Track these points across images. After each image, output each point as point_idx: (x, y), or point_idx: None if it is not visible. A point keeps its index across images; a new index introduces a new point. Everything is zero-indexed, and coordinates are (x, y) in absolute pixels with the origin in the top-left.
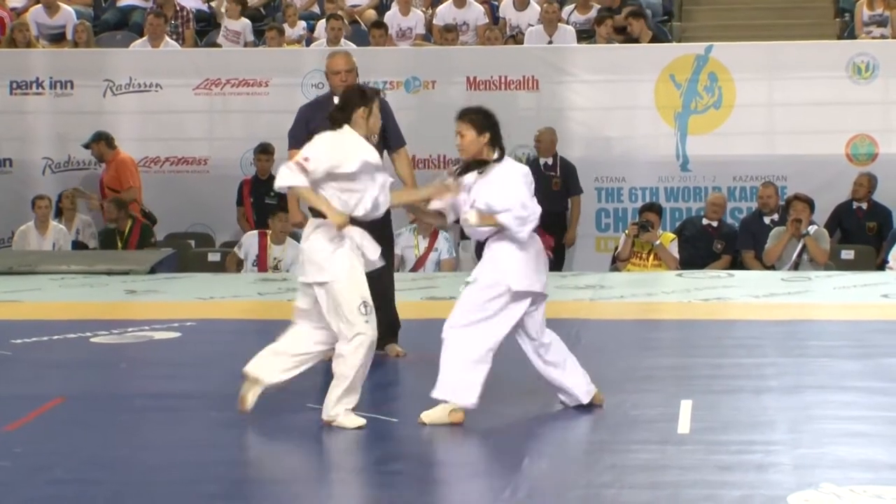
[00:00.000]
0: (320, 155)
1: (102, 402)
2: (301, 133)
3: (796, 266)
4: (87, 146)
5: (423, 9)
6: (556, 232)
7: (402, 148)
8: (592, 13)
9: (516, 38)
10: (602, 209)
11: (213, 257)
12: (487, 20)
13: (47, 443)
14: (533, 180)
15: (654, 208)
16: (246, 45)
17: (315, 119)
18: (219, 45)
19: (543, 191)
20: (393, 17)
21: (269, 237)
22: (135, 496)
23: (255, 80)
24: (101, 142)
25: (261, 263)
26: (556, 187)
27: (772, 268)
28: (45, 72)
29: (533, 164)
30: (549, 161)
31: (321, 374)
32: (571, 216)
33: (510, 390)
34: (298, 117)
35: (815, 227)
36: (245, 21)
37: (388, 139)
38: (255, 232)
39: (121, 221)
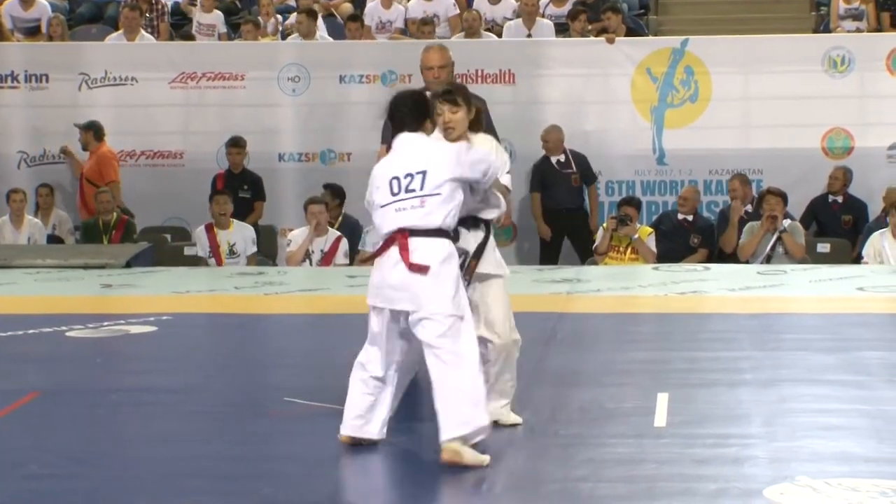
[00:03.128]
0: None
1: (78, 397)
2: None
3: (769, 259)
4: (79, 127)
5: (405, 3)
6: (578, 224)
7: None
8: (568, 6)
9: (493, 31)
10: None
11: (190, 251)
12: (458, 11)
13: (22, 438)
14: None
15: (632, 202)
16: (220, 37)
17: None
18: (193, 38)
19: (564, 189)
20: (374, 9)
21: (214, 226)
22: (112, 491)
23: (231, 74)
24: (91, 131)
25: (215, 253)
26: (576, 183)
27: (747, 262)
28: (20, 65)
29: (544, 163)
30: (562, 158)
31: (301, 369)
32: (591, 205)
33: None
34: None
35: (788, 221)
36: (217, 14)
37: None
38: (202, 226)
39: (109, 213)
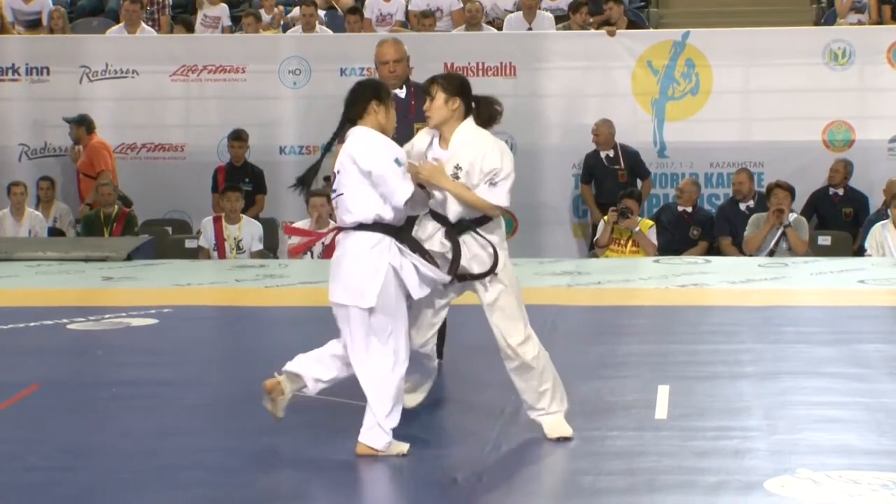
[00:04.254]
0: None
1: (79, 389)
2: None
3: (772, 254)
4: (69, 122)
5: None
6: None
7: None
8: None
9: (494, 24)
10: (579, 196)
11: (191, 244)
12: (461, 5)
13: (23, 430)
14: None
15: (633, 195)
16: (223, 30)
17: None
18: (192, 31)
19: (611, 183)
20: (374, 2)
21: (223, 219)
22: (111, 483)
23: (232, 67)
24: (83, 127)
25: (219, 247)
26: (623, 179)
27: (752, 256)
28: (21, 58)
29: (593, 156)
30: (611, 153)
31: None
32: (641, 197)
33: (486, 381)
34: None
35: (794, 215)
36: (223, 6)
37: None
38: (210, 217)
39: (110, 206)
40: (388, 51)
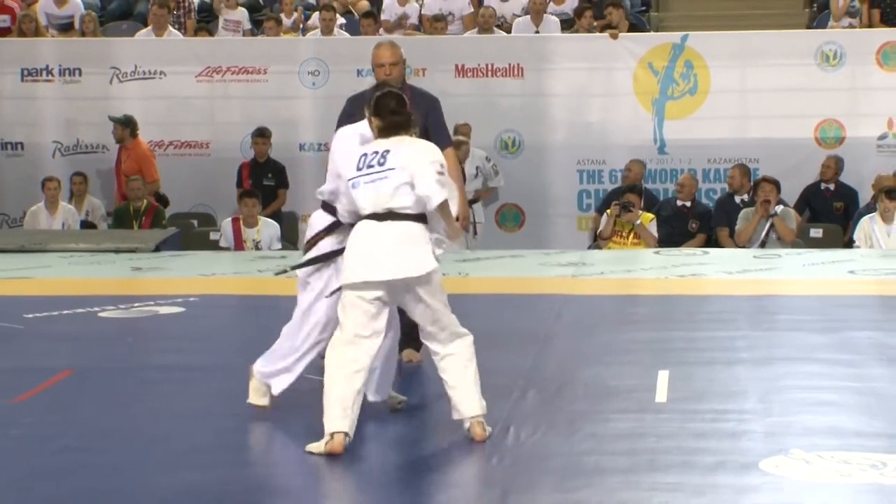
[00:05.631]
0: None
1: (110, 375)
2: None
3: (763, 244)
4: (114, 121)
5: (419, 0)
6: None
7: (446, 150)
8: (568, 3)
9: (502, 27)
10: (583, 190)
11: (215, 236)
12: (472, 10)
13: (56, 413)
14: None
15: (635, 190)
16: (244, 33)
17: (358, 114)
18: (213, 34)
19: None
20: (390, 6)
21: (241, 221)
22: (140, 464)
23: (254, 68)
24: (128, 128)
25: (238, 247)
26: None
27: (744, 248)
28: (55, 60)
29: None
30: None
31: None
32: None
33: (493, 366)
34: (343, 111)
35: (781, 206)
36: (242, 10)
37: (430, 138)
38: (229, 219)
39: (139, 200)
40: (385, 53)
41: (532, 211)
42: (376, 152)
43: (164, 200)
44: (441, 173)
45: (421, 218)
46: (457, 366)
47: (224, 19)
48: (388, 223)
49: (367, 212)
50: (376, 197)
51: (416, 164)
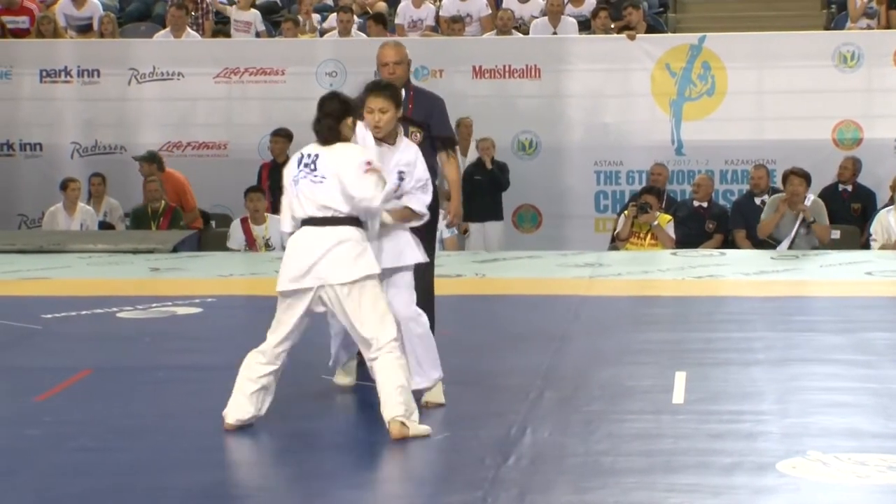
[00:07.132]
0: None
1: (128, 374)
2: None
3: (792, 243)
4: (138, 160)
5: (433, 2)
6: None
7: (450, 155)
8: (586, 4)
9: (520, 28)
10: (601, 191)
11: (231, 244)
12: (490, 11)
13: (75, 412)
14: None
15: (652, 191)
16: (258, 34)
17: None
18: (228, 35)
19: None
20: (405, 8)
21: (249, 220)
22: (158, 462)
23: (272, 69)
24: (154, 164)
25: (251, 247)
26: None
27: (764, 242)
28: (73, 61)
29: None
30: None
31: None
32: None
33: (511, 366)
34: None
35: (811, 196)
36: (254, 12)
37: (433, 138)
38: (237, 220)
39: (157, 201)
40: (389, 53)
41: (549, 212)
42: (309, 155)
43: (207, 217)
44: (369, 171)
45: (354, 221)
46: (380, 372)
47: (234, 20)
48: (321, 229)
49: (300, 216)
50: (309, 200)
51: (343, 169)
